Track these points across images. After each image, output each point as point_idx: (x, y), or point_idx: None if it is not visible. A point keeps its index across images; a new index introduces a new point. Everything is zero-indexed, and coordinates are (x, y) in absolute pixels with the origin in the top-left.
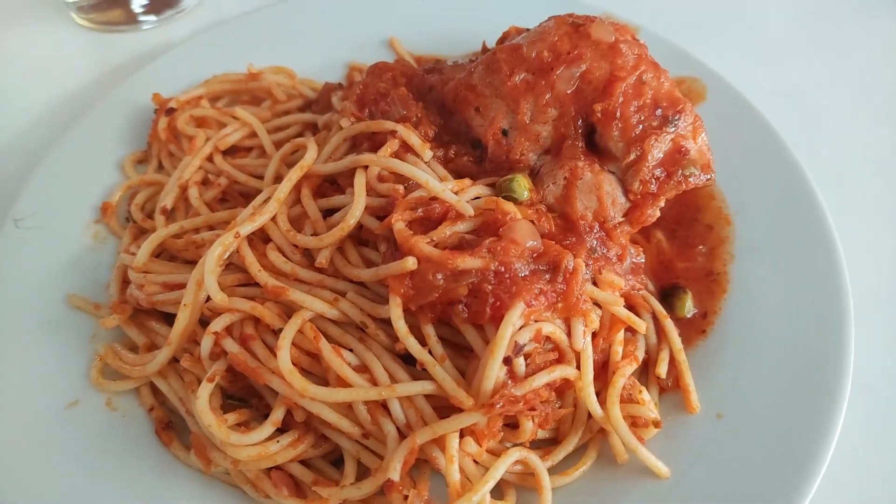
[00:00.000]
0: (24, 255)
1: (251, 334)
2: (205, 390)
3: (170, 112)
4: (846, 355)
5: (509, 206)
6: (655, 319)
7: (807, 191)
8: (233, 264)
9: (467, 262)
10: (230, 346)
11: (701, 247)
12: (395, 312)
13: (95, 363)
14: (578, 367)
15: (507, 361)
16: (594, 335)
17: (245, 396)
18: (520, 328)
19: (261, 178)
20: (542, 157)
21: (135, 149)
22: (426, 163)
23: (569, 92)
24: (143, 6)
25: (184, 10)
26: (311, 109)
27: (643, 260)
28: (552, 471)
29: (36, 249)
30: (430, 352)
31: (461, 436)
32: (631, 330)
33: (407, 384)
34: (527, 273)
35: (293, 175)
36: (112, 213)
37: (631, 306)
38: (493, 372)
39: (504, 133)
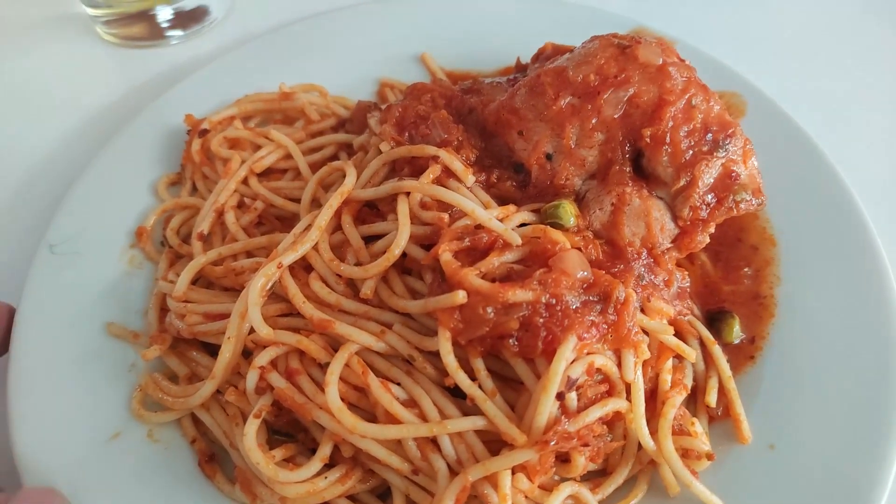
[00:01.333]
0: (61, 283)
1: (297, 369)
2: (251, 427)
3: (203, 133)
4: None
5: (557, 235)
6: (703, 345)
7: (851, 208)
8: (275, 293)
9: (518, 295)
10: (276, 380)
11: (746, 269)
12: (445, 347)
13: (136, 394)
14: (629, 399)
15: (560, 397)
16: (643, 364)
17: (291, 431)
18: (572, 361)
19: (297, 201)
20: (587, 182)
21: (168, 171)
22: (469, 188)
23: (616, 116)
24: (169, 21)
25: (210, 24)
26: (344, 129)
27: (688, 284)
28: (603, 503)
29: (72, 276)
30: (479, 386)
31: (513, 472)
32: (679, 357)
33: (458, 420)
34: (578, 305)
35: (333, 202)
36: (147, 238)
37: (678, 332)
38: (546, 408)
39: (548, 157)
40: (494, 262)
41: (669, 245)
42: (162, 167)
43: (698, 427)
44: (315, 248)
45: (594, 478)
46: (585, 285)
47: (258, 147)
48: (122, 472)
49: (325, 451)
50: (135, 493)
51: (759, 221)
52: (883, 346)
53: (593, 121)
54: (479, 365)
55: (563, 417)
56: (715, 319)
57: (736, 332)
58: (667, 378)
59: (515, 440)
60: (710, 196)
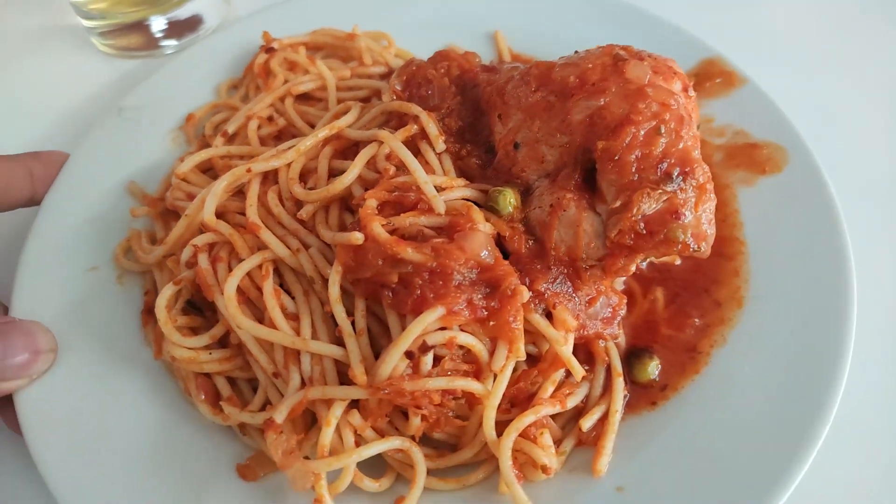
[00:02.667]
0: (114, 142)
1: (221, 257)
2: (168, 290)
3: (270, 50)
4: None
5: (478, 216)
6: (609, 374)
7: (843, 310)
8: (241, 193)
9: (408, 253)
10: (202, 260)
11: (696, 320)
12: (333, 277)
13: (122, 242)
14: None
15: (410, 356)
16: (533, 367)
17: (203, 308)
18: (435, 330)
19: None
20: (541, 179)
21: (233, 76)
22: (438, 154)
23: (581, 122)
24: (163, 31)
25: (204, 33)
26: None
27: (623, 312)
28: (436, 473)
29: (124, 139)
30: (353, 323)
31: (351, 407)
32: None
33: (320, 344)
34: (464, 282)
35: (321, 132)
36: (192, 124)
37: (590, 352)
38: (392, 360)
39: (515, 146)
40: (408, 220)
41: (594, 263)
42: (231, 72)
43: (547, 439)
44: (288, 166)
45: (443, 449)
46: (480, 268)
47: (307, 73)
48: (91, 299)
49: (216, 331)
50: (91, 314)
51: (737, 279)
52: (787, 457)
53: (561, 121)
54: (360, 305)
55: (407, 376)
56: (634, 355)
57: (649, 373)
58: (548, 388)
59: (356, 378)
60: (642, 226)
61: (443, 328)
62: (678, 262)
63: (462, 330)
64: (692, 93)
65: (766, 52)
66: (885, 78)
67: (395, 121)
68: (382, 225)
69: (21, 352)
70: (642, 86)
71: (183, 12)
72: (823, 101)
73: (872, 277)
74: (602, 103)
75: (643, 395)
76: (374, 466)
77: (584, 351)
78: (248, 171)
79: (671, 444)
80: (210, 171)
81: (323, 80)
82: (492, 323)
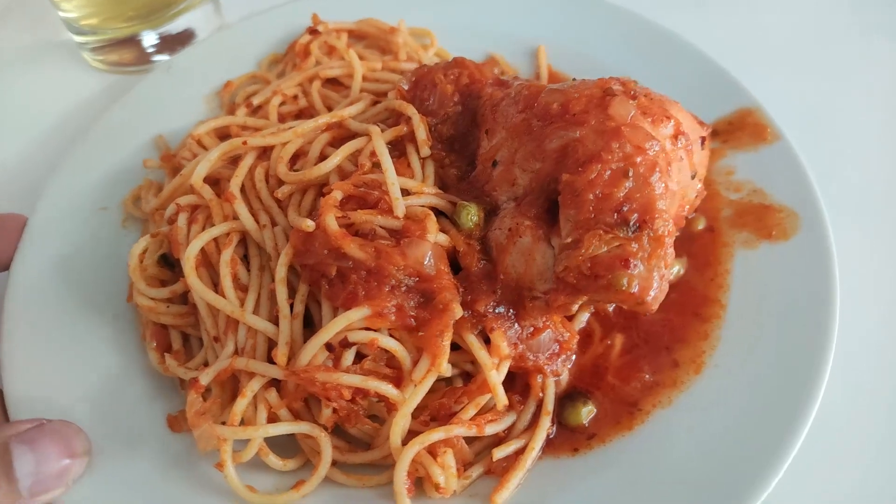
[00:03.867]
0: (155, 96)
1: (198, 219)
2: (143, 241)
3: (314, 32)
4: None
5: (432, 226)
6: (540, 409)
7: (802, 405)
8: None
9: (351, 249)
10: (181, 219)
11: (648, 375)
12: (282, 259)
13: (134, 189)
14: None
15: (330, 349)
16: (468, 386)
17: (176, 265)
18: (360, 329)
19: None
20: (509, 201)
21: (277, 52)
22: (422, 158)
23: (554, 150)
24: (155, 46)
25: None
26: None
27: (573, 351)
28: (342, 467)
29: (165, 95)
30: (292, 305)
31: (272, 385)
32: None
33: (256, 318)
34: (400, 288)
35: (322, 119)
36: (229, 91)
37: (526, 384)
38: (312, 349)
39: (494, 164)
40: (364, 217)
41: (540, 295)
42: (277, 49)
43: (448, 459)
44: (283, 145)
45: (357, 445)
46: (419, 277)
47: (342, 59)
48: (96, 237)
49: (178, 287)
50: (93, 251)
51: (704, 343)
52: None
53: (536, 146)
54: (302, 289)
55: (323, 366)
56: (570, 397)
57: (579, 418)
58: (470, 410)
59: (276, 358)
60: (588, 266)
61: (369, 329)
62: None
63: (391, 334)
64: (683, 142)
65: (760, 57)
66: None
67: (395, 119)
68: (339, 217)
69: (56, 460)
70: (620, 125)
71: (175, 27)
72: (817, 106)
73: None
74: (577, 135)
75: (568, 440)
76: (286, 447)
77: (523, 381)
78: (244, 143)
79: (580, 497)
80: (227, 137)
81: (350, 69)
82: (420, 333)
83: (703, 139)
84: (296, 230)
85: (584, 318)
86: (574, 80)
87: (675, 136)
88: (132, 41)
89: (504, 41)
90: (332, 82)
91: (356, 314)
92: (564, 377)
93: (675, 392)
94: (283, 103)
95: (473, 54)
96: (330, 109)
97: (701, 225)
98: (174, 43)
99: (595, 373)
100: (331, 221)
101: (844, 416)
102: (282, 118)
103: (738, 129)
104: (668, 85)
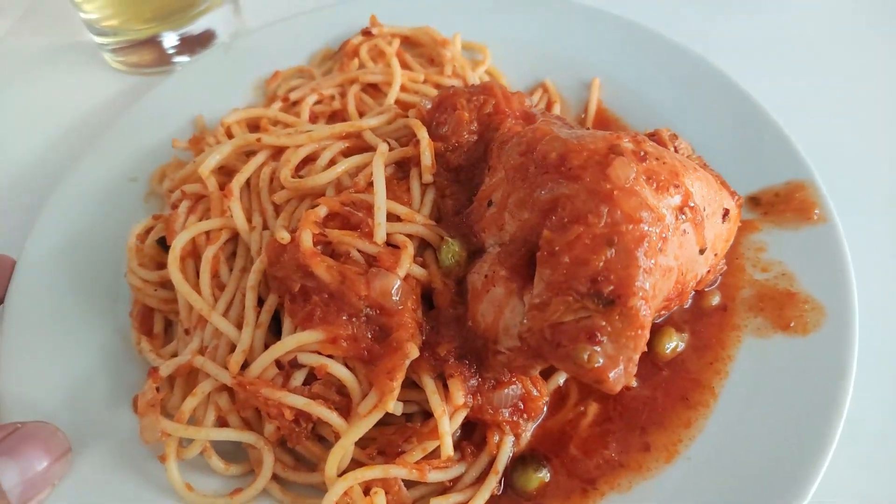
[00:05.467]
0: (207, 75)
1: (197, 209)
2: (145, 221)
3: (367, 34)
4: None
5: (406, 260)
6: (489, 467)
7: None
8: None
9: (318, 269)
10: (182, 206)
11: (613, 454)
12: (257, 265)
13: (162, 166)
14: None
15: (280, 366)
16: (420, 428)
17: None
18: (312, 352)
19: None
20: (494, 246)
21: (331, 48)
22: (424, 185)
23: (544, 202)
24: (175, 47)
25: (216, 48)
26: None
27: (540, 410)
28: (283, 483)
29: (216, 75)
30: (259, 314)
31: (226, 389)
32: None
33: (221, 319)
34: (359, 318)
35: (340, 127)
36: (275, 81)
37: (483, 436)
38: (262, 363)
39: (489, 203)
40: (340, 237)
41: (504, 350)
42: (330, 45)
43: (379, 500)
44: (296, 148)
45: (304, 464)
46: (380, 310)
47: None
48: (118, 207)
49: (166, 273)
50: (111, 220)
51: (684, 432)
52: None
53: (528, 194)
54: (270, 300)
55: (270, 382)
56: (525, 460)
57: (529, 484)
58: (417, 453)
59: (230, 365)
60: (549, 332)
61: (321, 353)
62: (634, 383)
63: (345, 362)
64: (690, 215)
65: (769, 62)
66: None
67: (410, 137)
68: (317, 234)
69: (39, 463)
70: (615, 188)
71: (195, 28)
72: (827, 111)
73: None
74: (568, 191)
75: (513, 501)
76: (235, 453)
77: (482, 433)
78: (258, 140)
79: None
80: (258, 128)
81: (391, 78)
82: (373, 367)
83: (727, 211)
84: (272, 239)
85: (561, 379)
86: (588, 128)
87: (682, 208)
88: (153, 42)
89: (558, 68)
90: (373, 87)
91: (308, 336)
92: (526, 437)
93: (637, 478)
94: (318, 102)
95: (524, 77)
96: (362, 115)
97: (715, 301)
98: (194, 44)
99: (559, 439)
100: (306, 237)
101: None
102: (314, 117)
103: (784, 202)
104: (721, 140)
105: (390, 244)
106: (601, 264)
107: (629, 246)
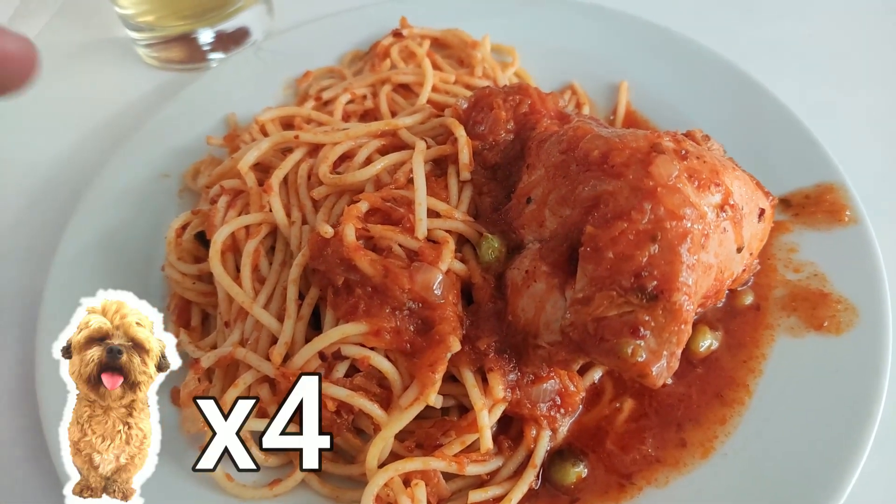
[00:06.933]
0: (238, 75)
1: (236, 204)
2: (184, 216)
3: (398, 35)
4: None
5: (447, 254)
6: (527, 461)
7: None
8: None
9: (361, 262)
10: (221, 201)
11: (650, 449)
12: (298, 259)
13: (196, 163)
14: None
15: (323, 357)
16: (459, 421)
17: None
18: (356, 344)
19: None
20: (534, 242)
21: (360, 49)
22: (461, 182)
23: (586, 199)
24: (210, 44)
25: (250, 46)
26: None
27: (577, 405)
28: (322, 475)
29: (247, 75)
30: (300, 307)
31: (266, 380)
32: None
33: (263, 312)
34: (402, 311)
35: (376, 125)
36: (306, 81)
37: (520, 431)
38: (305, 355)
39: (528, 200)
40: (382, 232)
41: (545, 345)
42: (359, 47)
43: (420, 492)
44: (333, 145)
45: (345, 457)
46: (423, 303)
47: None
48: (151, 202)
49: (206, 266)
50: (143, 213)
51: (717, 428)
52: None
53: (569, 191)
54: (312, 293)
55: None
56: (563, 454)
57: (567, 478)
58: (455, 446)
59: (272, 357)
60: (593, 326)
61: (364, 345)
62: (669, 381)
63: (387, 355)
64: (730, 213)
65: (797, 66)
66: None
67: (447, 136)
68: (359, 229)
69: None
70: (658, 185)
71: (230, 25)
72: (855, 114)
73: None
74: (611, 188)
75: (550, 497)
76: None
77: (519, 427)
78: (296, 137)
79: None
80: (291, 126)
81: (422, 79)
82: (415, 360)
83: (762, 211)
84: (315, 233)
85: (596, 376)
86: (630, 129)
87: (722, 206)
88: (187, 38)
89: (587, 71)
90: (404, 88)
91: (352, 329)
92: (563, 432)
93: (674, 473)
94: (350, 101)
95: (552, 79)
96: (394, 115)
97: (748, 300)
98: (229, 42)
99: (595, 434)
100: (349, 231)
101: None
102: (346, 116)
103: (815, 204)
104: (750, 143)
105: (430, 240)
106: (645, 260)
107: (673, 242)
